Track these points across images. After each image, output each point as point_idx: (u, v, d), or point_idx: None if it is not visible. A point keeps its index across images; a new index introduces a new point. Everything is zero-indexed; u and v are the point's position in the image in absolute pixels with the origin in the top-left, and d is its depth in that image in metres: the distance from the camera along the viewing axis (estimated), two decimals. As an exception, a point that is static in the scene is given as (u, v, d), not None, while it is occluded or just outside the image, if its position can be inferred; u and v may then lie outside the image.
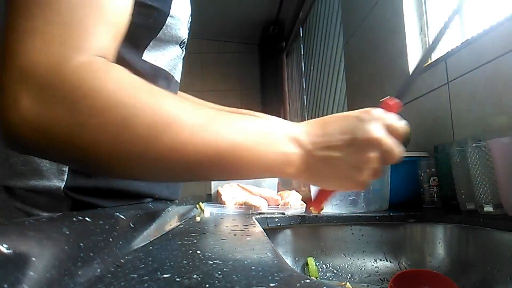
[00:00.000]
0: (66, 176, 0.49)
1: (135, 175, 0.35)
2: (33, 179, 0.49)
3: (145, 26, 0.47)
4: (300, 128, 0.37)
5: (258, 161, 0.34)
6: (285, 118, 3.10)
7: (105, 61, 0.32)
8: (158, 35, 0.50)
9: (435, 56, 1.13)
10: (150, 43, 0.51)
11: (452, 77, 0.97)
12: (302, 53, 2.97)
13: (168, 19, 0.50)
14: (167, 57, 0.55)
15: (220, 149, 0.32)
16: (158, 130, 0.30)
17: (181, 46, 0.57)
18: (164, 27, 0.50)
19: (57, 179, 0.49)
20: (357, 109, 0.40)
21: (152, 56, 0.52)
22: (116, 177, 0.45)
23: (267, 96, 3.35)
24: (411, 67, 1.19)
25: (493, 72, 0.82)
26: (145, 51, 0.51)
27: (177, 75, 0.61)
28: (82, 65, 0.30)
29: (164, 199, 0.63)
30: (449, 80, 0.98)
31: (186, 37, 0.57)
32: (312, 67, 2.69)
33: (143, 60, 0.51)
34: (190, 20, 0.58)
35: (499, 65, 0.81)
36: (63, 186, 0.49)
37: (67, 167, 0.49)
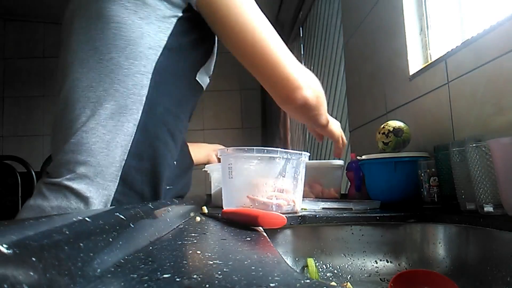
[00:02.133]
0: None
1: None
2: (66, 176, 0.62)
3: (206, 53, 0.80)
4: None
5: None
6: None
7: None
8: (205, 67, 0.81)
9: (435, 56, 1.13)
10: (200, 69, 0.78)
11: (452, 77, 0.97)
12: (302, 53, 2.97)
13: (212, 56, 0.81)
14: (204, 83, 0.84)
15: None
16: None
17: (209, 78, 0.86)
18: (210, 58, 0.81)
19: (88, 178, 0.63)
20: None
21: (200, 79, 0.80)
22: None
23: (267, 96, 3.33)
24: (411, 67, 1.19)
25: (493, 72, 0.82)
26: (197, 73, 0.78)
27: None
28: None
29: (179, 190, 0.81)
30: (449, 80, 0.98)
31: (211, 74, 0.87)
32: (312, 67, 2.68)
33: (196, 79, 0.80)
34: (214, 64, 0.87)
35: (499, 65, 0.81)
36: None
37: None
